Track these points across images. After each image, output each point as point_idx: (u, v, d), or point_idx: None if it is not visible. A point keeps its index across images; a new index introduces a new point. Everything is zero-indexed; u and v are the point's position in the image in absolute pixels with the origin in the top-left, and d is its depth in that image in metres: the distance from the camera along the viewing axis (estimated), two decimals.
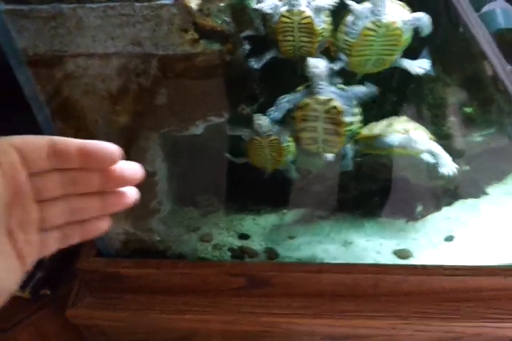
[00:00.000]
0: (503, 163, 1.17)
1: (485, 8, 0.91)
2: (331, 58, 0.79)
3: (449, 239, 1.06)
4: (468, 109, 1.13)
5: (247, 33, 0.75)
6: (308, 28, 0.74)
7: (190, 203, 1.13)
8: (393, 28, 0.71)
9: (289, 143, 0.88)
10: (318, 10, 0.72)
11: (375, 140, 0.87)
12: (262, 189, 1.07)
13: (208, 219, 1.12)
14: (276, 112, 0.82)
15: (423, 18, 0.72)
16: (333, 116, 0.79)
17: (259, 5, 0.73)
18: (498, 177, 1.15)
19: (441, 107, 1.09)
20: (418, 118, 1.05)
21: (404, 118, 0.94)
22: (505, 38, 0.97)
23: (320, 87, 0.77)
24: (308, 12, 0.72)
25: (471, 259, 0.99)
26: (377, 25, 0.70)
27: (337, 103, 0.77)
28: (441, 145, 1.09)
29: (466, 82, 1.11)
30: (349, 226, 1.12)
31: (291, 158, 0.93)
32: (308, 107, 0.79)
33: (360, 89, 0.80)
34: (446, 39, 0.92)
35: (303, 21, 0.73)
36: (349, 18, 0.73)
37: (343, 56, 0.77)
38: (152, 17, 0.69)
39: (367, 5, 0.71)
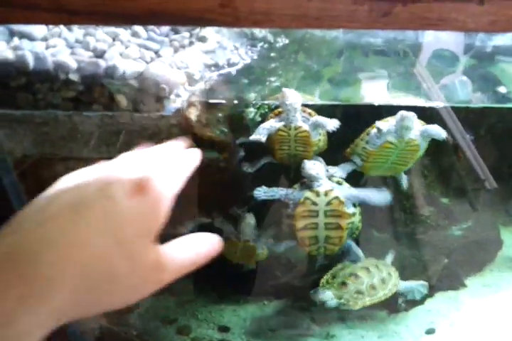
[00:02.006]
0: (480, 255, 1.20)
1: (443, 80, 0.96)
2: (344, 159, 0.82)
3: (431, 331, 1.06)
4: (444, 200, 1.17)
5: (242, 139, 0.76)
6: (304, 140, 0.75)
7: (166, 290, 1.09)
8: (413, 144, 0.75)
9: (262, 251, 0.89)
10: (316, 126, 0.74)
11: None
12: (241, 279, 1.05)
13: (186, 309, 1.07)
14: (266, 195, 0.80)
15: (436, 130, 0.76)
16: (335, 208, 0.78)
17: (254, 136, 0.74)
18: (476, 269, 1.17)
19: (420, 198, 1.12)
20: (399, 209, 1.08)
21: None
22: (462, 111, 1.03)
23: (318, 184, 0.77)
24: (305, 127, 0.74)
25: None
26: (399, 141, 0.74)
27: (338, 193, 0.77)
28: (421, 238, 1.12)
29: (441, 173, 1.16)
30: (330, 318, 1.09)
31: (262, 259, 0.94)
32: (309, 201, 0.78)
33: (373, 195, 0.81)
34: None
35: (299, 135, 0.74)
36: (373, 131, 0.76)
37: (357, 160, 0.80)
38: (150, 126, 0.68)
39: (391, 121, 0.74)
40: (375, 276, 0.92)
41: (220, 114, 0.72)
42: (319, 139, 0.77)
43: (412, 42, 0.95)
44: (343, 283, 0.91)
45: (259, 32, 0.85)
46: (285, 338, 1.04)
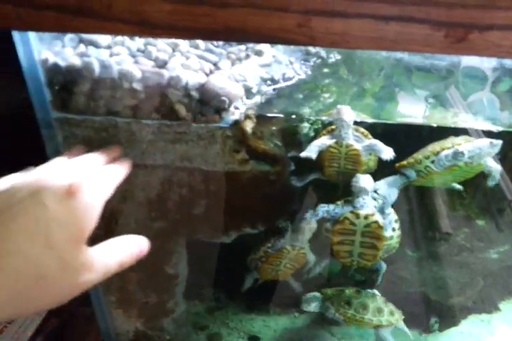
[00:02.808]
0: None
1: (471, 98, 0.94)
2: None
3: None
4: (480, 222, 1.15)
5: (293, 153, 0.76)
6: (354, 159, 0.75)
7: (198, 297, 1.10)
8: (477, 168, 0.78)
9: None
10: (371, 150, 0.74)
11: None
12: (271, 289, 1.05)
13: (216, 317, 1.08)
14: (311, 216, 0.80)
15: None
16: (374, 230, 0.79)
17: (305, 153, 0.75)
18: (511, 292, 1.15)
19: (455, 219, 1.11)
20: (432, 228, 1.07)
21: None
22: None
23: (363, 202, 0.77)
24: (357, 146, 0.74)
25: None
26: (467, 165, 0.75)
27: (378, 218, 0.77)
28: (456, 259, 1.11)
29: (477, 193, 1.14)
30: (362, 333, 1.09)
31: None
32: (347, 221, 0.78)
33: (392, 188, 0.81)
34: None
35: (350, 153, 0.74)
36: (446, 153, 0.76)
37: (412, 174, 0.81)
38: (206, 137, 0.69)
39: (467, 145, 0.75)
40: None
41: (274, 128, 0.72)
42: (369, 159, 0.77)
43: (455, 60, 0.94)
44: (348, 303, 0.91)
45: (312, 48, 0.86)
46: None
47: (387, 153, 0.73)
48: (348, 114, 0.73)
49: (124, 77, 0.68)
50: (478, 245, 1.12)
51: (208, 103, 0.67)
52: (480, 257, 1.10)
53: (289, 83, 0.77)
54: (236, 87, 0.70)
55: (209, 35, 0.51)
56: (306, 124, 0.75)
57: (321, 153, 0.75)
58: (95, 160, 0.51)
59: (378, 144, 0.74)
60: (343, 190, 0.78)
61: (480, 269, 1.07)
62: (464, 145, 0.75)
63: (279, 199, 0.80)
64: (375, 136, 0.77)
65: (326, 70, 0.83)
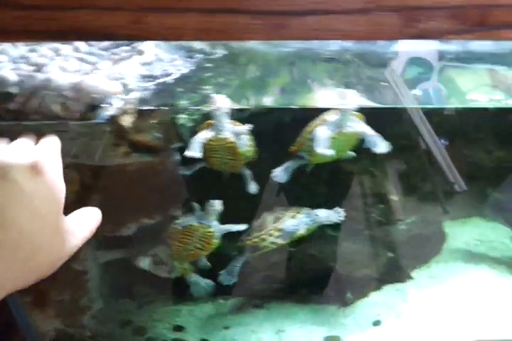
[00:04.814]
0: (426, 248, 1.26)
1: (418, 88, 1.01)
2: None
3: (377, 323, 1.11)
4: (394, 197, 1.23)
5: (177, 145, 0.81)
6: (232, 150, 0.81)
7: (127, 295, 1.13)
8: None
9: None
10: (237, 134, 0.79)
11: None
12: None
13: (144, 311, 1.11)
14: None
15: None
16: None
17: (189, 152, 0.78)
18: (423, 261, 1.23)
19: (370, 197, 1.18)
20: (350, 207, 1.13)
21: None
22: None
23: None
24: (233, 138, 0.79)
25: None
26: (342, 135, 0.81)
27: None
28: (366, 233, 1.18)
29: (393, 173, 1.22)
30: (283, 313, 1.14)
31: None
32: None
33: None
34: None
35: (228, 145, 0.80)
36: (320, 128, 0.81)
37: (306, 155, 0.87)
38: (86, 133, 0.73)
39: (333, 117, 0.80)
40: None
41: (153, 121, 0.77)
42: (248, 150, 0.82)
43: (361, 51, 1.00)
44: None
45: (197, 44, 0.91)
46: (237, 334, 1.08)
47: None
48: (222, 102, 0.77)
49: (1, 82, 0.71)
50: (390, 219, 1.19)
51: (81, 101, 0.71)
52: (388, 229, 1.17)
53: (169, 78, 0.82)
54: (110, 85, 0.74)
55: (55, 36, 0.55)
56: (183, 115, 0.80)
57: (203, 145, 0.80)
58: (27, 141, 0.51)
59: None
60: (228, 177, 0.83)
61: (389, 241, 1.14)
62: (330, 116, 0.82)
63: (172, 188, 0.85)
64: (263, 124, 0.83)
65: (208, 65, 0.88)
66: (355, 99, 0.79)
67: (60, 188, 0.45)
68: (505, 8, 0.52)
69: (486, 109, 1.23)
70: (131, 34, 0.54)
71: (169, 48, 0.90)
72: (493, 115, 1.24)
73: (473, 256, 1.27)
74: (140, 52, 0.85)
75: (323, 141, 0.79)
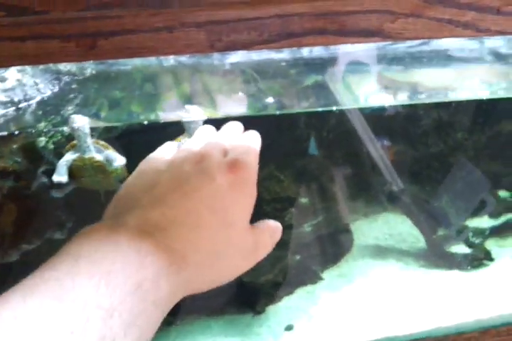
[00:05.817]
0: (335, 247, 1.29)
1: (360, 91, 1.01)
2: None
3: (289, 328, 1.12)
4: (303, 200, 1.25)
5: (44, 167, 0.80)
6: (101, 168, 0.80)
7: None
8: None
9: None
10: (101, 152, 0.79)
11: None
12: None
13: None
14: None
15: None
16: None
17: (56, 178, 0.78)
18: (332, 261, 1.26)
19: (279, 202, 1.20)
20: (259, 213, 1.14)
21: None
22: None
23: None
24: (98, 157, 0.79)
25: None
26: None
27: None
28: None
29: (298, 175, 1.24)
30: (197, 329, 1.13)
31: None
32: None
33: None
34: None
35: (94, 165, 0.79)
36: None
37: None
38: None
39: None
40: None
41: (13, 146, 0.76)
42: (117, 168, 0.82)
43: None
44: None
45: (64, 67, 0.91)
46: None
47: (120, 161, 0.79)
48: (81, 121, 0.77)
49: None
50: (298, 222, 1.21)
51: None
52: (294, 232, 1.18)
53: (30, 103, 0.81)
54: None
55: None
56: (42, 138, 0.79)
57: (71, 167, 0.80)
58: (236, 129, 0.47)
59: (110, 154, 0.80)
60: (104, 194, 0.83)
61: (295, 244, 1.16)
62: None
63: (46, 211, 0.84)
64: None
65: (75, 86, 0.88)
66: (198, 112, 0.80)
67: (253, 193, 0.40)
68: (305, 17, 0.55)
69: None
70: None
71: (34, 73, 0.89)
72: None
73: (381, 251, 1.31)
74: (2, 79, 0.84)
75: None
